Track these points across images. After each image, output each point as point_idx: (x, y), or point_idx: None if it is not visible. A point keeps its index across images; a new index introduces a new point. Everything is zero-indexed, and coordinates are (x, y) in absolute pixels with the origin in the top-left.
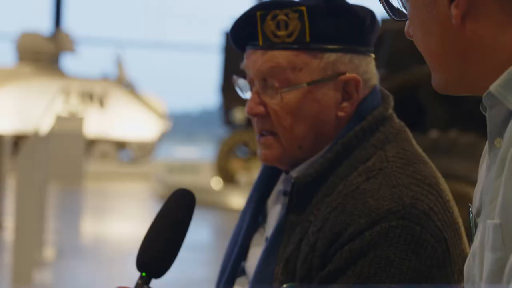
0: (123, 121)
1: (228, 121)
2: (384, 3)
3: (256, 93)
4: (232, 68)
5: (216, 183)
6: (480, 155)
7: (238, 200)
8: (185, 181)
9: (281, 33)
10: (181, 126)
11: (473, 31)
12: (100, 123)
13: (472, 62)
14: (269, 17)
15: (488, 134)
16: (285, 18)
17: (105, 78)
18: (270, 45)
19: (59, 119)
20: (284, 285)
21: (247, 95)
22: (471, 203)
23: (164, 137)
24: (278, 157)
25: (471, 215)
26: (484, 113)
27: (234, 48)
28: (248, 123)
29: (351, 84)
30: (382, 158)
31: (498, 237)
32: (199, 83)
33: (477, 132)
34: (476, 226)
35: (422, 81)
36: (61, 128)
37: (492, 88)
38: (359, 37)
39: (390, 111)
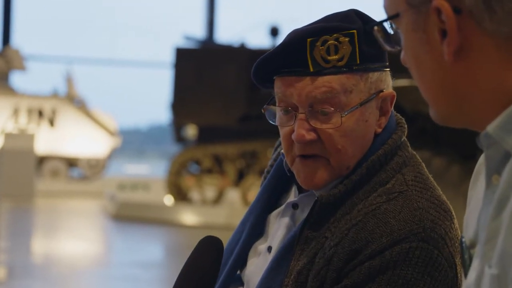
0: (73, 138)
1: (179, 137)
2: (379, 32)
3: (304, 120)
4: (183, 84)
5: (168, 200)
6: (433, 172)
7: (190, 217)
8: (136, 198)
9: (332, 57)
10: (131, 142)
11: (467, 68)
12: (50, 140)
13: (466, 98)
14: (319, 43)
15: (485, 171)
16: (335, 42)
17: (55, 95)
18: (319, 71)
19: (9, 136)
20: None
21: (282, 122)
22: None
23: (115, 153)
24: (327, 180)
25: (464, 245)
26: (481, 147)
27: (257, 79)
28: (200, 140)
29: (388, 100)
30: (401, 182)
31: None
32: (148, 99)
33: (430, 149)
34: (470, 258)
35: None
36: (11, 146)
37: (490, 128)
38: (386, 54)
39: (405, 135)
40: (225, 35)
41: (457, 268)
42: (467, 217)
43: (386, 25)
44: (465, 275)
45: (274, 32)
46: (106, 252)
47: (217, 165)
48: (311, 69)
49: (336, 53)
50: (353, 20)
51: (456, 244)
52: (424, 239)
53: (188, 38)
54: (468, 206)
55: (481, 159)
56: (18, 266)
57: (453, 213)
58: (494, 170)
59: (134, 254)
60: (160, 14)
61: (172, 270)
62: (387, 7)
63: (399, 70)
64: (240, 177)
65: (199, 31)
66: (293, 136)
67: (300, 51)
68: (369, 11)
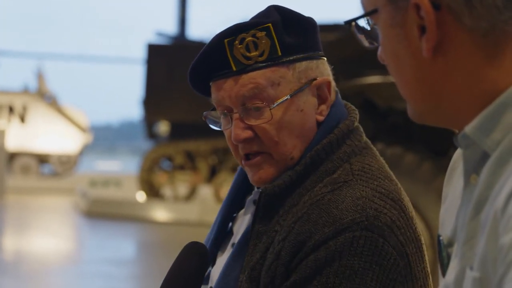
0: (44, 134)
1: (151, 134)
2: (355, 29)
3: (239, 119)
4: (154, 81)
5: (141, 196)
6: (406, 168)
7: (162, 213)
8: (108, 195)
9: (252, 54)
10: (103, 138)
11: (445, 64)
12: (21, 137)
13: (444, 95)
14: (237, 42)
15: (463, 171)
16: (253, 39)
17: (25, 91)
18: (243, 69)
19: None
20: None
21: (223, 126)
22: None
23: (86, 150)
24: (273, 174)
25: (442, 243)
26: (458, 147)
27: (195, 88)
28: (172, 136)
29: (324, 87)
30: (348, 171)
31: None
32: (120, 95)
33: (402, 145)
34: (448, 256)
35: (348, 93)
36: None
37: (468, 129)
38: (315, 43)
39: (356, 124)
40: (197, 31)
41: (409, 257)
42: (443, 214)
43: (363, 21)
44: (443, 273)
45: None
46: (78, 249)
47: (190, 162)
48: (234, 69)
49: (256, 49)
50: (270, 14)
51: (408, 234)
52: (368, 227)
53: (160, 34)
54: (444, 203)
55: (455, 156)
56: None
57: (405, 204)
58: (472, 170)
59: (106, 251)
60: (132, 10)
61: (144, 267)
62: (364, 3)
63: (371, 67)
64: (212, 173)
65: (171, 28)
66: (231, 137)
67: (220, 53)
68: (332, 9)
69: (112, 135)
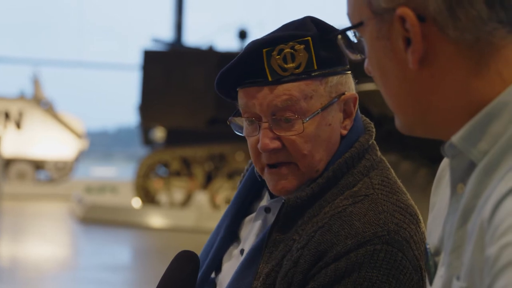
0: (40, 140)
1: (147, 140)
2: (342, 41)
3: (267, 129)
4: (150, 87)
5: (136, 202)
6: (401, 176)
7: (158, 219)
8: (104, 201)
9: (289, 65)
10: (99, 144)
11: (431, 76)
12: (17, 143)
13: (431, 106)
14: (275, 52)
15: (450, 180)
16: (291, 51)
17: (21, 97)
18: (278, 79)
19: None
20: None
21: (248, 133)
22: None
23: (82, 156)
24: (297, 185)
25: (429, 252)
26: (445, 156)
27: (220, 91)
28: (168, 142)
29: (350, 102)
30: (368, 185)
31: None
32: (116, 101)
33: (397, 152)
34: (435, 265)
35: None
36: None
37: (454, 139)
38: (344, 57)
39: (373, 138)
40: (193, 37)
41: (422, 272)
42: (431, 223)
43: (350, 33)
44: (430, 282)
45: (243, 35)
46: (74, 255)
47: (185, 168)
48: (270, 79)
49: (293, 61)
50: (308, 27)
51: (422, 248)
52: (388, 241)
53: (156, 40)
54: (431, 212)
55: (443, 164)
56: None
57: (420, 217)
58: (459, 179)
59: (101, 257)
60: (128, 17)
61: (140, 273)
62: (350, 15)
63: (365, 75)
64: (208, 179)
65: (167, 34)
66: (258, 146)
67: (257, 62)
68: (332, 15)
69: (108, 141)
